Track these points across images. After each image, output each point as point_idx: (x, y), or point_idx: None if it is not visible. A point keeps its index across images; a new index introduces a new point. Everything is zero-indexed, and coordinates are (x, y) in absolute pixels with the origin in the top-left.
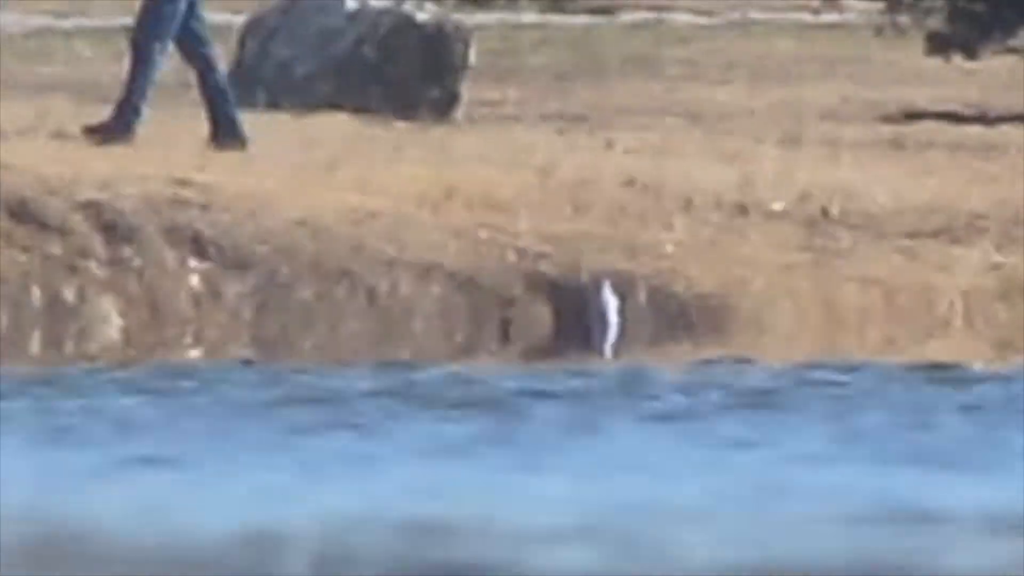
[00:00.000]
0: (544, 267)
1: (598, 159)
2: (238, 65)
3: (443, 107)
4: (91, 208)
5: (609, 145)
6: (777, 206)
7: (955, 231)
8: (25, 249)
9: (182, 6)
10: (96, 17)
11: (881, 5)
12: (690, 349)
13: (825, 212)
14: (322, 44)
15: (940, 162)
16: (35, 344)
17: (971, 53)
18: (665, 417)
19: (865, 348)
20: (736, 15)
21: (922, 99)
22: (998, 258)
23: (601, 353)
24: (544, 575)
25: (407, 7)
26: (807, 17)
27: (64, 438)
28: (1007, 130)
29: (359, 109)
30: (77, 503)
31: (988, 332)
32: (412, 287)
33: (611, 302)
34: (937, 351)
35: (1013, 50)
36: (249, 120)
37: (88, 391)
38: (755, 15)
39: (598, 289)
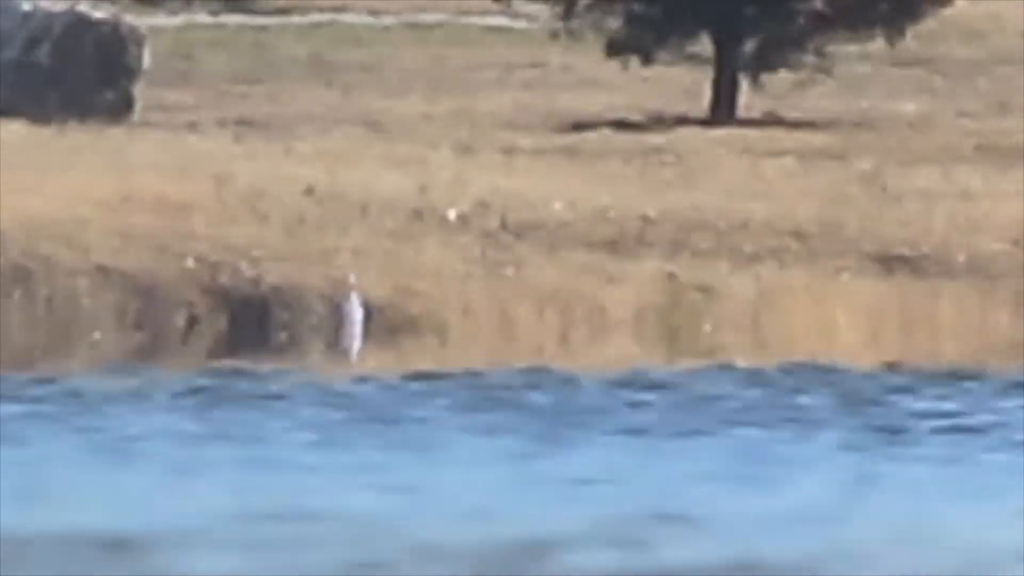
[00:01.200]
0: (221, 274)
1: (276, 165)
2: None
3: (119, 110)
4: None
5: (288, 152)
6: (452, 214)
7: (627, 241)
8: None
9: None
10: None
11: (557, 10)
12: (363, 356)
13: (503, 223)
14: None
15: (614, 170)
16: None
17: (648, 58)
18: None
19: (540, 357)
20: (411, 18)
21: (597, 106)
22: (669, 267)
23: (348, 358)
24: None
25: (82, 8)
26: (483, 20)
27: None
28: (682, 136)
29: (34, 113)
30: None
31: (659, 340)
32: (89, 292)
33: (356, 313)
34: (609, 359)
35: (689, 56)
36: None
37: None
38: (429, 18)
39: (345, 300)
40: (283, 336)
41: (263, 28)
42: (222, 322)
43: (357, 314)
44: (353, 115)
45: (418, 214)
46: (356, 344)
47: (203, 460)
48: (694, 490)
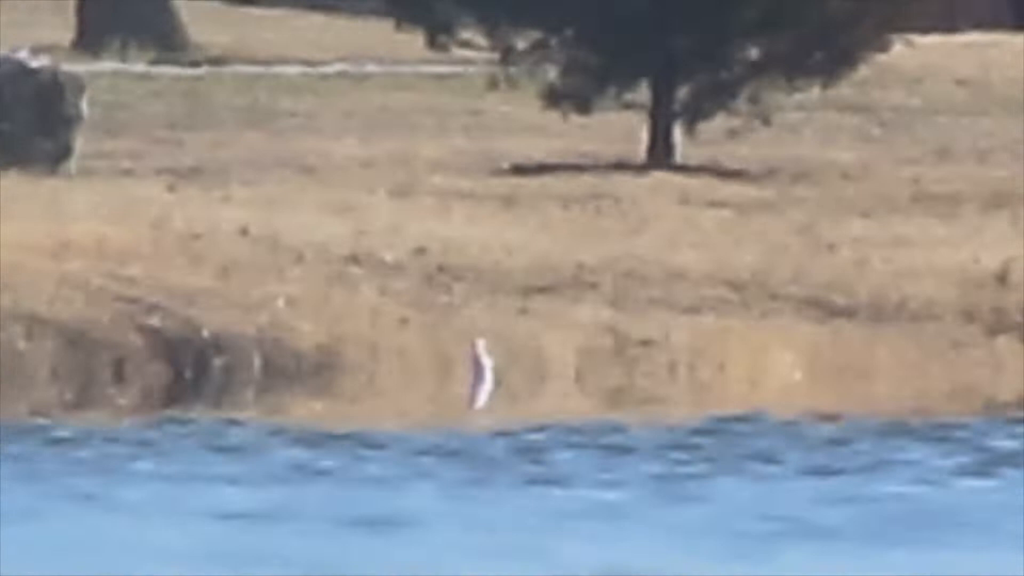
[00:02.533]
0: (158, 320)
1: (212, 212)
2: None
3: (56, 159)
4: None
5: (224, 197)
6: (390, 258)
7: (568, 287)
8: None
9: None
10: None
11: (495, 57)
12: (301, 402)
13: (440, 267)
14: None
15: (553, 215)
16: None
17: (586, 107)
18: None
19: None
20: (348, 66)
21: (536, 152)
22: (610, 313)
23: (473, 404)
24: None
25: (21, 55)
26: (420, 68)
27: None
28: (620, 183)
29: None
30: None
31: (600, 387)
32: (25, 340)
33: (486, 360)
34: (549, 406)
35: (628, 104)
36: None
37: None
38: (369, 67)
39: (473, 348)
40: (220, 381)
41: (199, 78)
42: (158, 368)
43: (487, 364)
44: (289, 161)
45: (354, 259)
46: (486, 393)
47: None
48: None
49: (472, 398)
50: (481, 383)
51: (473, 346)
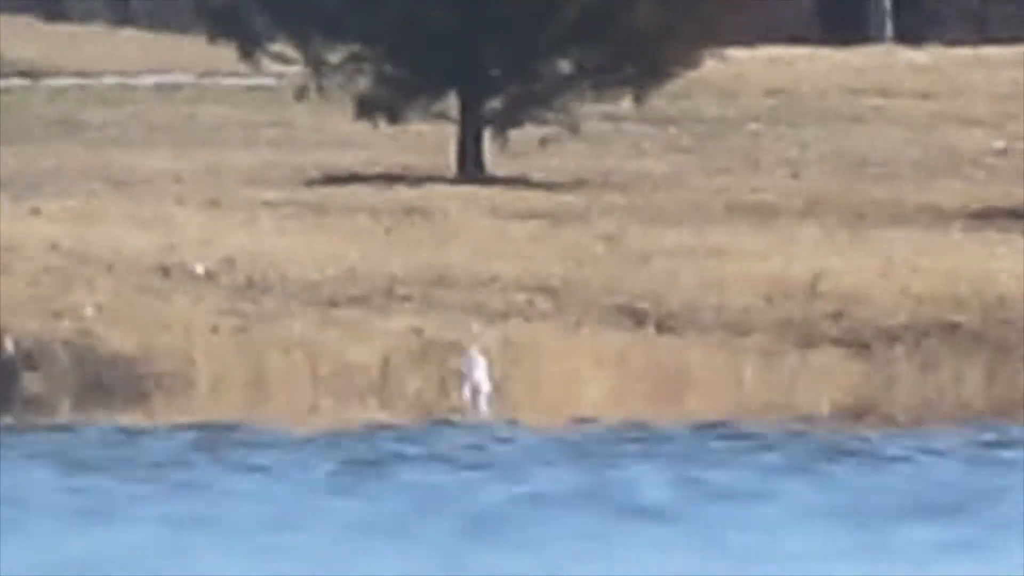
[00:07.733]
0: None
1: (23, 225)
2: None
3: None
4: None
5: (35, 212)
6: (200, 269)
7: (376, 298)
8: None
9: None
10: None
11: (306, 69)
12: (110, 411)
13: (250, 278)
14: None
15: (364, 226)
16: None
17: (396, 117)
18: None
19: (289, 413)
20: (160, 79)
21: (346, 163)
22: (418, 323)
23: (475, 409)
24: None
25: None
26: (231, 81)
27: None
28: (429, 194)
29: None
30: None
31: (408, 396)
32: None
33: (480, 364)
34: (359, 415)
35: (439, 115)
36: None
37: None
38: (179, 79)
39: (467, 355)
40: (31, 392)
41: (10, 90)
42: None
43: (480, 366)
44: (99, 173)
45: (165, 270)
46: (486, 394)
47: None
48: None
49: (469, 403)
50: (476, 389)
51: (464, 354)
